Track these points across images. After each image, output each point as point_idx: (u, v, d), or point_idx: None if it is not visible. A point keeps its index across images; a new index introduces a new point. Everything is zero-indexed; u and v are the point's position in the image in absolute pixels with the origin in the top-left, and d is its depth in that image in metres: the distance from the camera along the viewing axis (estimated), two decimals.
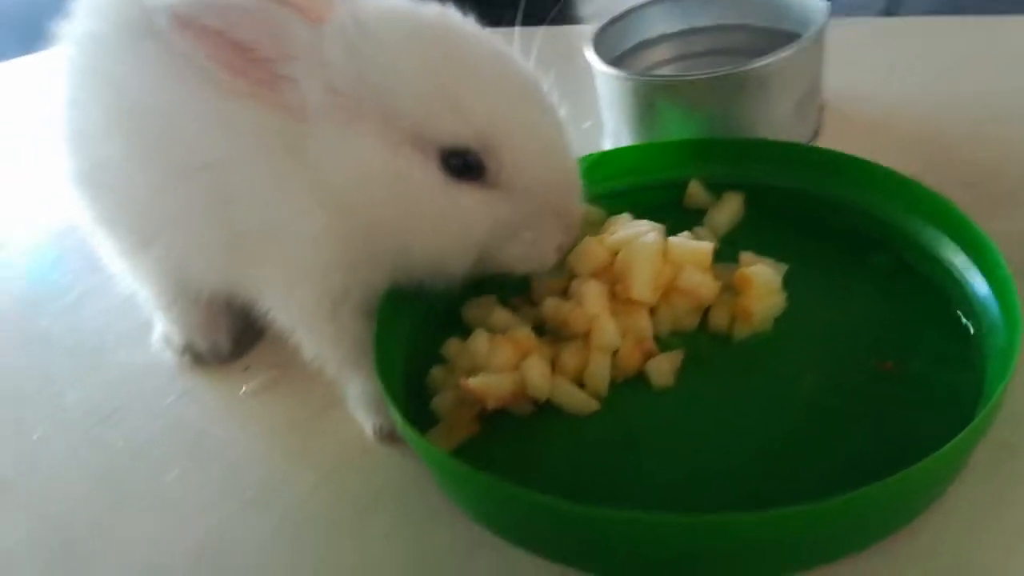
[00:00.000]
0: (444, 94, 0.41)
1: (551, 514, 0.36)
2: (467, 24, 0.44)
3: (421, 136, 0.42)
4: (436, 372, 0.47)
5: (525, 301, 0.51)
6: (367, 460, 0.46)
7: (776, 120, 0.60)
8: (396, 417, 0.41)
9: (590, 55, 0.62)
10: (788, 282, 0.48)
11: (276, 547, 0.43)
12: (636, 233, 0.49)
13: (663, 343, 0.48)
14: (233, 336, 0.56)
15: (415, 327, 0.50)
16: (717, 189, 0.57)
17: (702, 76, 0.58)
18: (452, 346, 0.48)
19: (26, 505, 0.49)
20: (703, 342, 0.48)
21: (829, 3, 0.61)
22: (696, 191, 0.57)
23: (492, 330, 0.47)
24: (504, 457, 0.43)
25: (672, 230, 0.50)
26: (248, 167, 0.43)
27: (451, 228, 0.44)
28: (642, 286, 0.47)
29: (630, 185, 0.59)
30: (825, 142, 0.64)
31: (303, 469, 0.47)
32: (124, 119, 0.45)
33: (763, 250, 0.50)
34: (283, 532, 0.44)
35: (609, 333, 0.46)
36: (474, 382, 0.43)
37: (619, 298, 0.48)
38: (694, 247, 0.48)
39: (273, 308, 0.49)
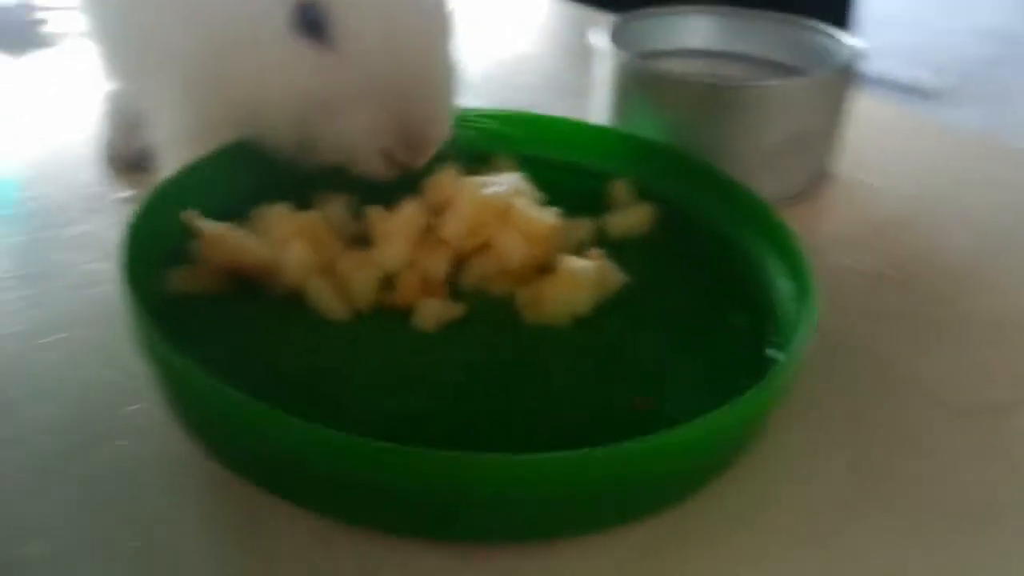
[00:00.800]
0: None
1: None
2: None
3: None
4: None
5: None
6: None
7: (752, 157, 0.54)
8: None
9: (597, 38, 0.58)
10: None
11: None
12: (488, 182, 0.46)
13: (462, 296, 0.44)
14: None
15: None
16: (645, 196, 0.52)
17: (690, 79, 0.53)
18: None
19: None
20: (494, 311, 0.44)
21: (861, 49, 0.54)
22: (620, 191, 0.53)
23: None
24: (224, 338, 0.41)
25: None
26: None
27: (273, 80, 0.42)
28: (453, 227, 0.43)
29: (560, 160, 0.55)
30: (810, 212, 0.56)
31: None
32: None
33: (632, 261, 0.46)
34: None
35: (391, 251, 0.43)
36: (206, 223, 0.41)
37: (432, 232, 0.44)
38: (533, 215, 0.44)
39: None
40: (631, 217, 0.51)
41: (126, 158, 0.57)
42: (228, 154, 0.47)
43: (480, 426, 0.37)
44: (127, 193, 0.55)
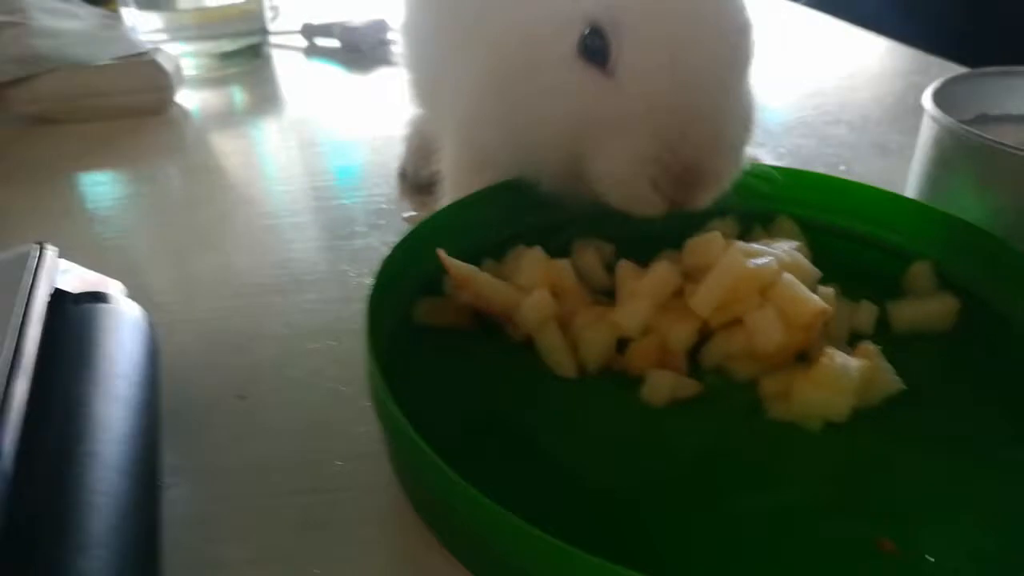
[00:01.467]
0: None
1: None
2: None
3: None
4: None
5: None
6: None
7: None
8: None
9: (928, 103, 0.51)
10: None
11: None
12: (756, 250, 0.41)
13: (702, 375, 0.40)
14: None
15: None
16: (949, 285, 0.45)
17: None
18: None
19: None
20: (736, 397, 0.39)
21: None
22: (920, 275, 0.45)
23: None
24: (452, 371, 0.41)
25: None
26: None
27: (554, 103, 0.42)
28: (704, 297, 0.40)
29: (852, 230, 0.49)
30: None
31: None
32: None
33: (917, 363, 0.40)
34: None
35: (631, 312, 0.40)
36: (454, 262, 0.41)
37: (681, 298, 0.41)
38: (799, 295, 0.39)
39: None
40: (927, 308, 0.44)
41: (415, 180, 0.60)
42: (496, 193, 0.48)
43: (689, 523, 0.33)
44: (410, 213, 0.59)
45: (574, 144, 0.42)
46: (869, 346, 0.39)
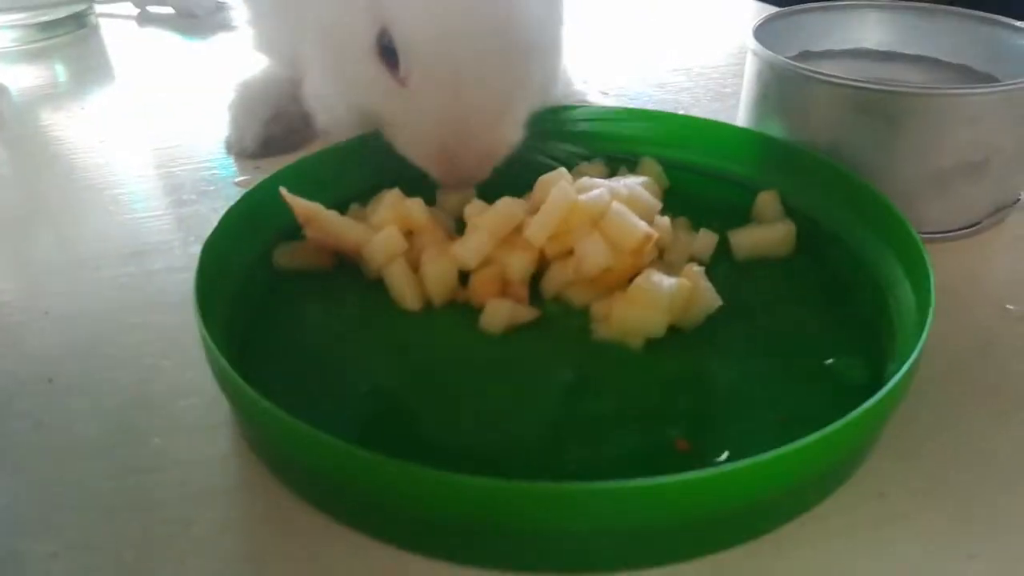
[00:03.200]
0: None
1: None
2: None
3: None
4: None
5: None
6: None
7: (918, 181, 0.46)
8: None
9: (750, 40, 0.52)
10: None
11: None
12: (596, 184, 0.43)
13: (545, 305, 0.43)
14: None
15: None
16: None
17: (840, 82, 0.46)
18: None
19: None
20: (569, 321, 0.41)
21: None
22: (766, 205, 0.48)
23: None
24: (302, 314, 0.43)
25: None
26: None
27: (358, 92, 0.48)
28: (537, 228, 0.41)
29: (705, 166, 0.51)
30: (986, 248, 0.47)
31: None
32: None
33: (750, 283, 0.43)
34: None
35: (471, 246, 0.42)
36: (297, 199, 0.42)
37: (520, 233, 0.43)
38: (628, 223, 0.41)
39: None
40: (765, 234, 0.46)
41: (240, 148, 0.60)
42: (357, 145, 0.50)
43: (523, 439, 0.35)
44: (242, 178, 0.58)
45: (381, 119, 0.47)
46: (693, 267, 0.41)
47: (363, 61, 0.46)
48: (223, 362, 0.32)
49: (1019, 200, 0.49)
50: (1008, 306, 0.42)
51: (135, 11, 0.98)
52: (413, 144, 0.47)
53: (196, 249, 0.40)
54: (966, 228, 0.47)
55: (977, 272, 0.45)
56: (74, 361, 0.41)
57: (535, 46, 0.47)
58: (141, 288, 0.46)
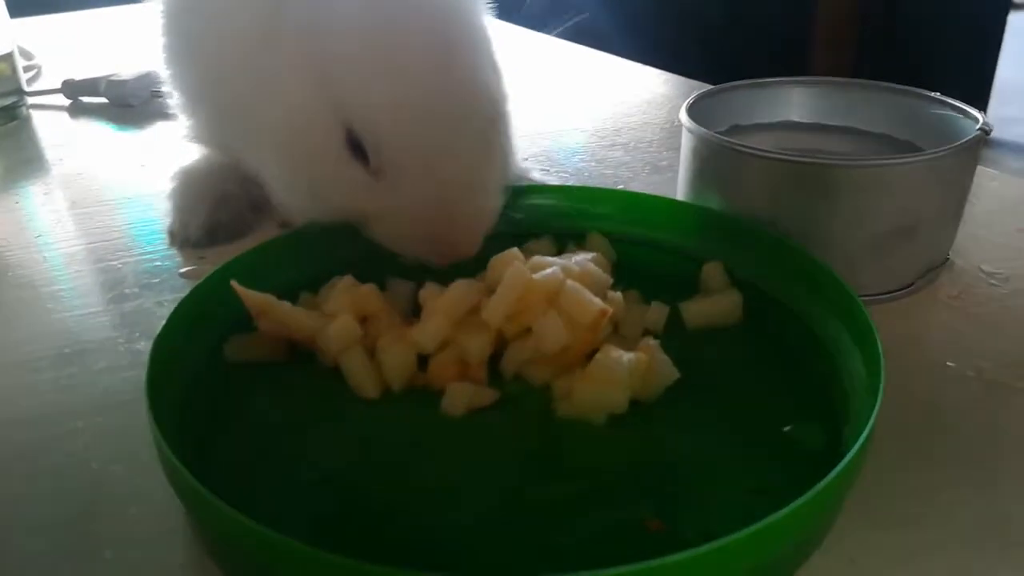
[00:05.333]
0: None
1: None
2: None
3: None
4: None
5: None
6: None
7: (853, 246, 0.48)
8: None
9: (684, 117, 0.54)
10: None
11: None
12: (550, 262, 0.44)
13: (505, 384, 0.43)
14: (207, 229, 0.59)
15: None
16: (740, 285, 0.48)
17: (772, 155, 0.48)
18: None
19: None
20: (530, 401, 0.42)
21: (987, 127, 0.47)
22: (712, 275, 0.49)
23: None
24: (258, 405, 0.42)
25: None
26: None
27: (328, 190, 0.47)
28: (494, 308, 0.42)
29: (650, 239, 0.52)
30: (919, 308, 0.49)
31: None
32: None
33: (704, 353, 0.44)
34: None
35: (429, 330, 0.42)
36: (249, 292, 0.42)
37: (477, 314, 0.43)
38: (583, 299, 0.42)
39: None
40: (714, 303, 0.47)
41: (183, 237, 0.59)
42: (306, 233, 0.50)
43: (490, 523, 0.35)
44: (187, 268, 0.57)
45: (357, 215, 0.47)
46: (650, 341, 0.41)
47: (333, 163, 0.46)
48: (179, 466, 0.31)
49: (947, 260, 0.52)
50: (949, 363, 0.44)
51: (67, 102, 0.97)
52: (397, 236, 0.47)
53: (142, 346, 0.39)
54: (901, 289, 0.49)
55: (916, 332, 0.47)
56: (15, 471, 0.39)
57: (498, 113, 0.48)
58: (85, 390, 0.45)
